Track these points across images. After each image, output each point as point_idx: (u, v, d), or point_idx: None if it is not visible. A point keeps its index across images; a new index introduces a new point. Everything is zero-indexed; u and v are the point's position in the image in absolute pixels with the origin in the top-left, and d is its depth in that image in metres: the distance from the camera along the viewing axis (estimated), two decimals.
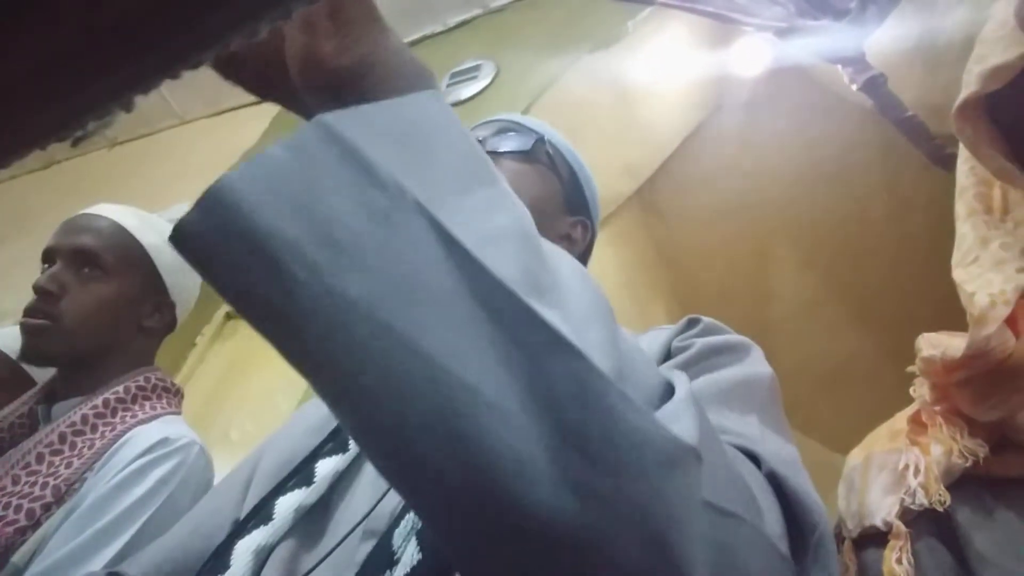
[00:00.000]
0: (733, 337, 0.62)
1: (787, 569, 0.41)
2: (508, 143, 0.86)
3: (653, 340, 0.65)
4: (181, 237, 0.31)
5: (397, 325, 0.30)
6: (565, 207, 0.88)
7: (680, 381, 0.37)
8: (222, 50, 0.22)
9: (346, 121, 0.33)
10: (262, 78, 0.44)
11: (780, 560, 0.40)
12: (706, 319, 0.66)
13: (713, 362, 0.58)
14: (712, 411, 0.49)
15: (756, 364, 0.60)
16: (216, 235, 0.31)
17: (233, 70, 0.43)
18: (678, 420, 0.33)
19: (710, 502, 0.34)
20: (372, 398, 0.31)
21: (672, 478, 0.31)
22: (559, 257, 0.37)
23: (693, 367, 0.57)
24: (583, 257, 0.92)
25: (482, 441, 0.29)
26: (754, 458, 0.44)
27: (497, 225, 0.34)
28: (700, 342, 0.60)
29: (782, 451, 0.50)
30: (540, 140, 0.88)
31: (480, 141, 0.84)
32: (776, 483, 0.44)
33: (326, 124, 0.33)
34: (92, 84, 0.19)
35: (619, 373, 0.32)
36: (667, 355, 0.61)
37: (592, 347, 0.32)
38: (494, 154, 0.84)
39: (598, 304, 0.36)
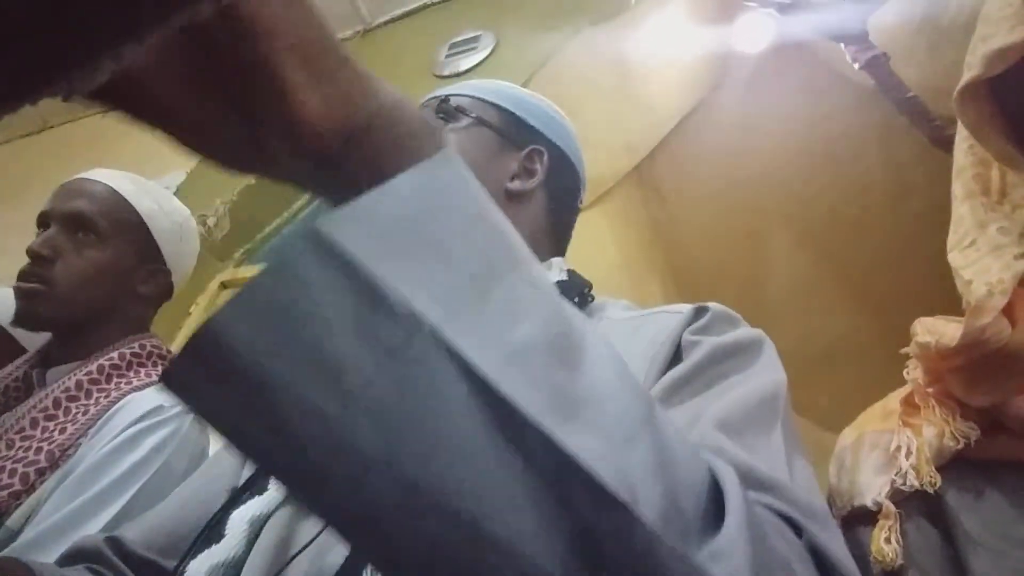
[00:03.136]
0: (743, 334, 0.60)
1: None
2: None
3: (662, 328, 0.62)
4: (175, 386, 0.27)
5: (421, 482, 0.27)
6: (507, 146, 0.84)
7: (728, 479, 0.35)
8: (219, 2, 0.21)
9: (344, 227, 0.28)
10: (227, 147, 0.35)
11: None
12: (715, 307, 0.64)
13: (727, 366, 0.56)
14: (746, 438, 0.48)
15: (769, 368, 0.57)
16: (210, 385, 0.27)
17: (189, 135, 0.35)
18: (731, 557, 0.32)
19: None
20: (400, 560, 0.28)
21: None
22: (591, 350, 0.33)
23: (707, 371, 0.55)
24: (559, 185, 0.88)
25: None
26: (794, 523, 0.42)
27: (521, 336, 0.30)
28: (710, 343, 0.57)
29: (809, 485, 0.49)
30: (440, 100, 0.83)
31: None
32: (817, 557, 0.42)
33: (321, 238, 0.28)
34: (83, 34, 0.19)
35: (668, 495, 0.31)
36: (677, 347, 0.60)
37: (637, 479, 0.30)
38: None
39: (638, 407, 0.33)
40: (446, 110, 0.82)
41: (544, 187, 0.85)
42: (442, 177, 0.32)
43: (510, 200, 0.82)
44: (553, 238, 0.87)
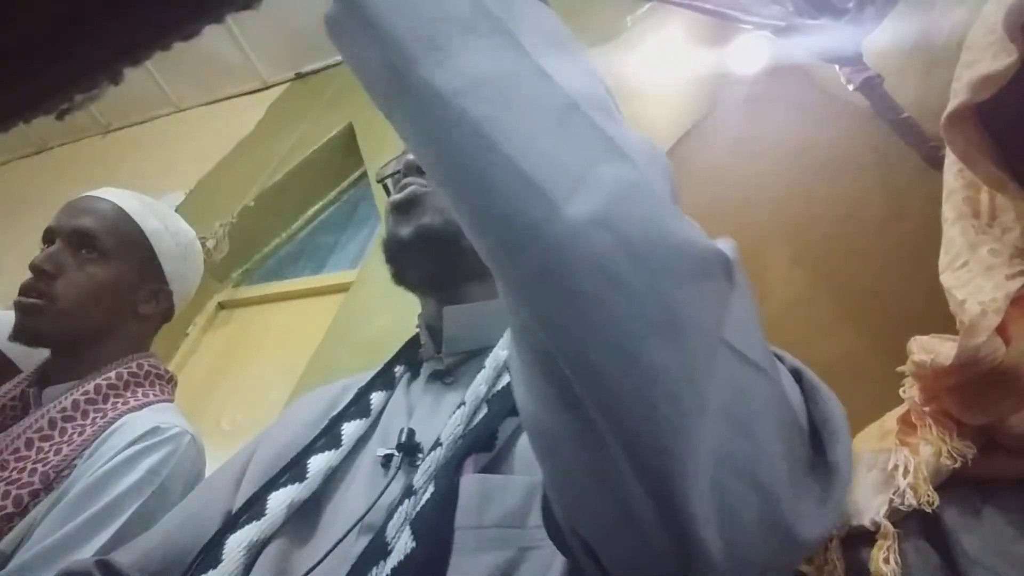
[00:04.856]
0: None
1: (800, 440, 0.40)
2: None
3: None
4: (329, 25, 0.39)
5: (470, 115, 0.35)
6: None
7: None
8: (215, 21, 0.21)
9: None
10: None
11: (795, 426, 0.39)
12: None
13: None
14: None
15: None
16: (351, 26, 0.38)
17: None
18: (722, 241, 0.39)
19: (731, 343, 0.35)
20: (456, 183, 0.36)
21: (700, 285, 0.35)
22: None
23: None
24: None
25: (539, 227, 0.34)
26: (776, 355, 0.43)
27: (559, 31, 0.45)
28: None
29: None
30: None
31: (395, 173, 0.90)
32: (800, 380, 0.45)
33: None
34: (77, 54, 0.19)
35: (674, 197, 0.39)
36: None
37: (653, 173, 0.38)
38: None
39: (664, 167, 0.42)
40: None
41: None
42: None
43: None
44: None
